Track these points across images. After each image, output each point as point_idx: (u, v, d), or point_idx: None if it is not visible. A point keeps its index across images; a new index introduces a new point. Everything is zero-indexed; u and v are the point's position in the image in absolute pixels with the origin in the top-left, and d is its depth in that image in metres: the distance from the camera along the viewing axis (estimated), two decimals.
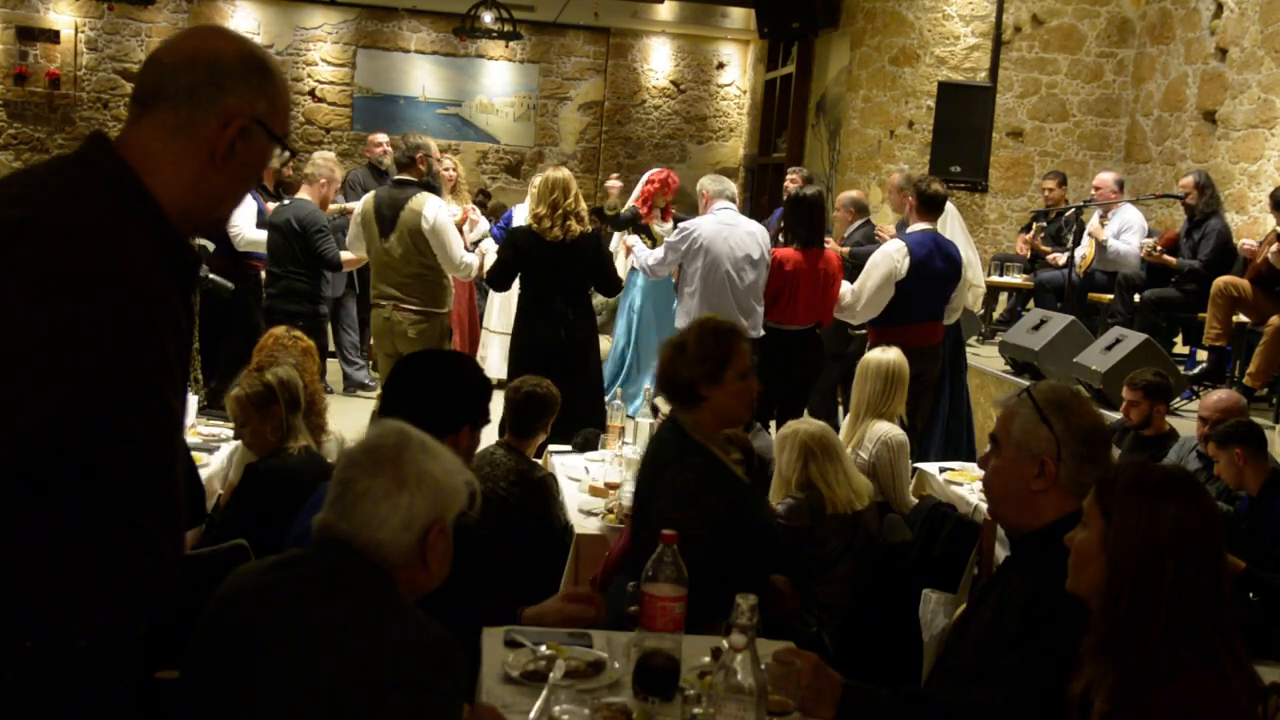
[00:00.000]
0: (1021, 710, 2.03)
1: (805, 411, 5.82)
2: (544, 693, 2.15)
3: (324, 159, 6.63)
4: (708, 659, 2.39)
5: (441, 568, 1.89)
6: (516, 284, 5.83)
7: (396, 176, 5.88)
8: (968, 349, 7.21)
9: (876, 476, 4.37)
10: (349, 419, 6.63)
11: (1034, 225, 8.87)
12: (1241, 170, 8.64)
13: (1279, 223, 6.73)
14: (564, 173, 5.65)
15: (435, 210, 5.70)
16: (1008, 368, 7.40)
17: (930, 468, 5.16)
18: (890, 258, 5.71)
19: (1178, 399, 6.27)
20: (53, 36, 13.74)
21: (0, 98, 13.63)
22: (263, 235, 6.40)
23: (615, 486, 4.17)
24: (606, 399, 5.78)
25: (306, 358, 4.22)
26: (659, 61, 15.17)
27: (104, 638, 1.61)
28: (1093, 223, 7.96)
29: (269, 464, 3.57)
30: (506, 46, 14.31)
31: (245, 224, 6.42)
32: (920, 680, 3.18)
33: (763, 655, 2.07)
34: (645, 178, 7.97)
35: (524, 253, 5.59)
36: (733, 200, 5.89)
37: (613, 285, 5.85)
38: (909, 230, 5.89)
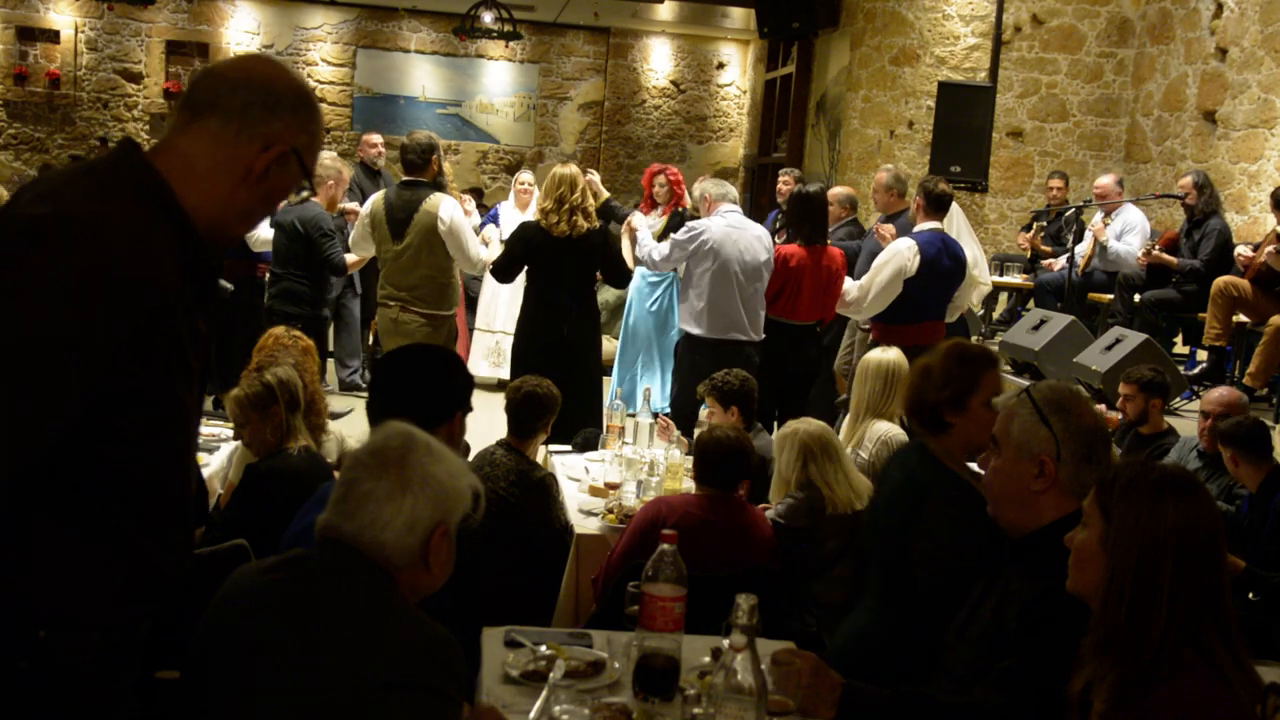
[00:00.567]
0: (1022, 710, 2.03)
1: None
2: (544, 693, 2.16)
3: (331, 159, 6.61)
4: (708, 659, 2.39)
5: (443, 570, 1.90)
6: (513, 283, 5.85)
7: (406, 177, 5.84)
8: None
9: (876, 476, 4.37)
10: (345, 418, 6.63)
11: (1034, 225, 8.88)
12: (1241, 170, 8.64)
13: (1279, 222, 6.74)
14: (571, 169, 5.65)
15: (451, 210, 5.69)
16: (1008, 368, 7.39)
17: None
18: (902, 255, 5.73)
19: (1178, 399, 6.28)
20: (53, 36, 13.74)
21: (0, 98, 13.64)
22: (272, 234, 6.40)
23: (615, 486, 4.17)
24: (607, 399, 5.79)
25: (306, 357, 4.22)
26: (659, 61, 15.18)
27: (114, 631, 1.64)
28: (1095, 222, 7.96)
29: (269, 464, 3.57)
30: (506, 46, 14.31)
31: (260, 224, 6.41)
32: (920, 680, 3.18)
33: (763, 655, 2.07)
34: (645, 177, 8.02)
35: (530, 247, 5.59)
36: (736, 203, 5.89)
37: (623, 276, 5.86)
38: (916, 229, 5.89)
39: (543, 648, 2.46)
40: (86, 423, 1.55)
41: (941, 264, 5.79)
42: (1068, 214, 8.57)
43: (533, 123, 14.99)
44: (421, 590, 1.89)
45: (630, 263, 6.00)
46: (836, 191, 7.68)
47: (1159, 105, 9.87)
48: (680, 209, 7.67)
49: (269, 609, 1.80)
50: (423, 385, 2.72)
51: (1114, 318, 7.39)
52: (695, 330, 5.67)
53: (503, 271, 5.81)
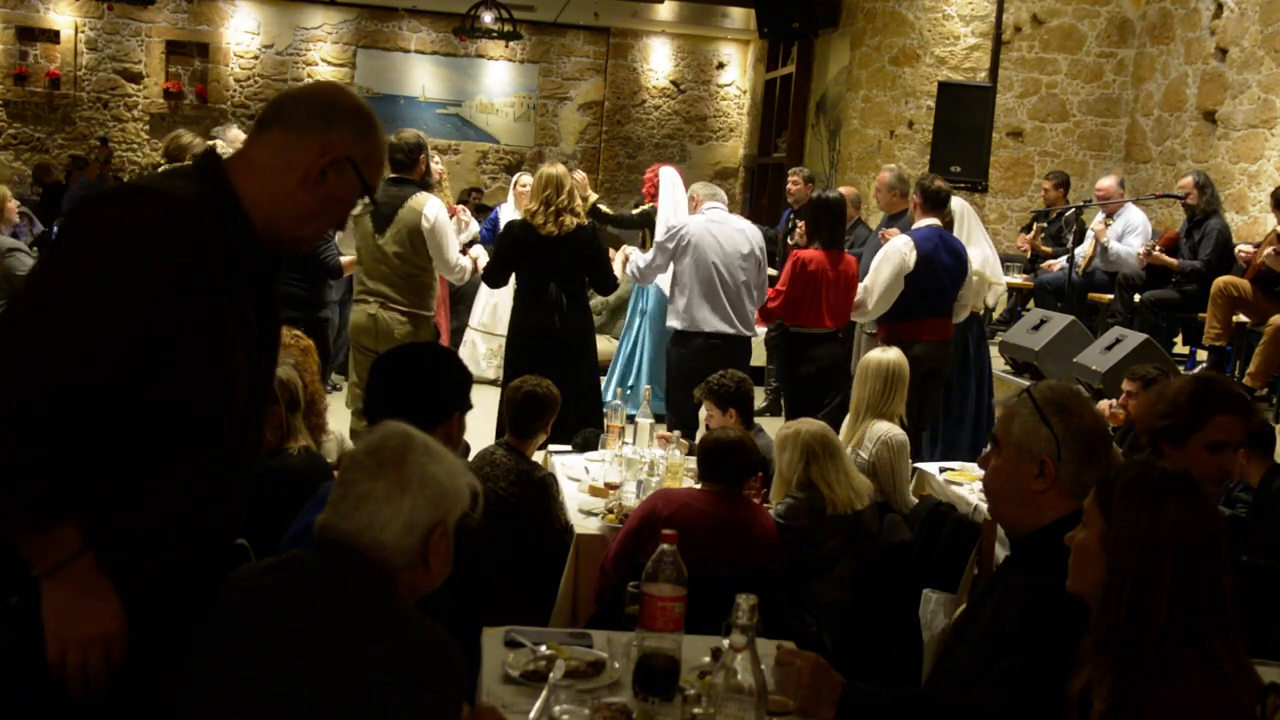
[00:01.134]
0: (1022, 710, 2.03)
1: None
2: (544, 693, 2.16)
3: None
4: (708, 659, 2.39)
5: (442, 569, 1.90)
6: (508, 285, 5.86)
7: (393, 175, 5.82)
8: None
9: (876, 476, 4.37)
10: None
11: (1034, 225, 8.87)
12: (1241, 170, 8.64)
13: (1279, 222, 6.73)
14: (559, 169, 5.65)
15: (436, 210, 5.67)
16: (1008, 368, 7.40)
17: (930, 468, 5.16)
18: (899, 252, 5.76)
19: None
20: (53, 36, 13.74)
21: (0, 98, 13.63)
22: None
23: (615, 486, 4.17)
24: (607, 399, 5.78)
25: (306, 357, 4.21)
26: (659, 61, 15.18)
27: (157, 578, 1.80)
28: (1096, 222, 7.96)
29: (269, 464, 3.56)
30: (506, 46, 14.32)
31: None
32: (920, 680, 3.18)
33: (763, 655, 2.07)
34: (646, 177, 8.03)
35: (518, 244, 5.61)
36: (723, 204, 5.95)
37: (608, 283, 5.84)
38: (915, 226, 5.95)
39: (543, 648, 2.46)
40: (125, 366, 1.68)
41: (940, 259, 5.82)
42: (1068, 214, 8.57)
43: (533, 123, 14.99)
44: (421, 590, 1.89)
45: (620, 276, 6.05)
46: (846, 192, 7.72)
47: (1159, 105, 9.86)
48: (649, 206, 7.81)
49: (268, 610, 1.80)
50: (420, 385, 2.72)
51: (1114, 318, 7.39)
52: (679, 325, 5.73)
53: (494, 274, 5.80)
